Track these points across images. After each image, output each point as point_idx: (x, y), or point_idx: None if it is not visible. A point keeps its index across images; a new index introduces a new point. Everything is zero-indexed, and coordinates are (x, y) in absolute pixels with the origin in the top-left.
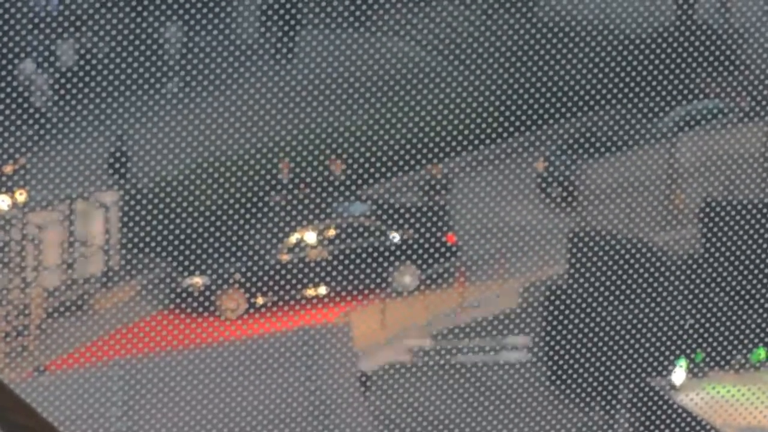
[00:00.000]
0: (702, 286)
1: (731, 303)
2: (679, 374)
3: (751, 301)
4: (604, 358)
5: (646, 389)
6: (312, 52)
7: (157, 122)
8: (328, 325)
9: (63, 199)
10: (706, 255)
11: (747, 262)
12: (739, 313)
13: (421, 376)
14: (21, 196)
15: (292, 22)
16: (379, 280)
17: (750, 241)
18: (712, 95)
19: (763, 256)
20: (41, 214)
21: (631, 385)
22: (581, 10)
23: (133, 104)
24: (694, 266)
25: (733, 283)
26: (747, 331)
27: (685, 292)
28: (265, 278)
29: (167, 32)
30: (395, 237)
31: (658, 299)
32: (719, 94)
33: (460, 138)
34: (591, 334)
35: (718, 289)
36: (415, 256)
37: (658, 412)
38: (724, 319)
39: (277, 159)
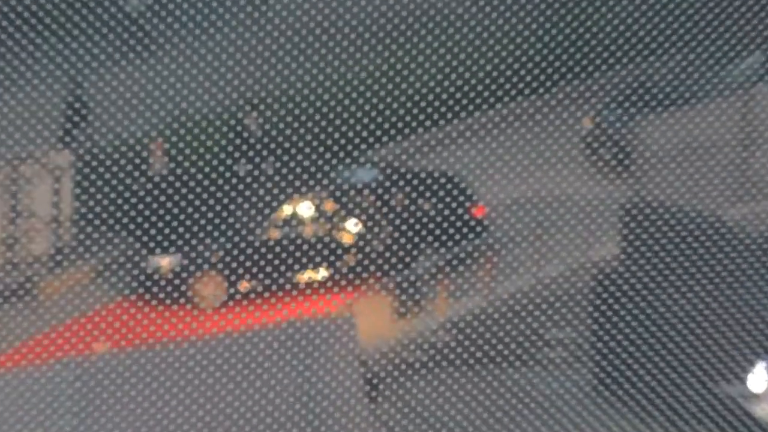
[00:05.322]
0: None
1: None
2: (758, 380)
3: None
4: (665, 360)
5: (718, 398)
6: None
7: (118, 72)
8: (327, 318)
9: (4, 161)
10: None
11: None
12: None
13: (439, 374)
14: None
15: None
16: (388, 263)
17: None
18: None
19: None
20: None
21: (699, 393)
22: None
23: (89, 51)
24: None
25: None
26: None
27: (766, 278)
28: (250, 260)
29: None
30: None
31: (733, 288)
32: None
33: (488, 90)
34: (649, 330)
35: None
36: (436, 233)
37: (733, 426)
38: None
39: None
